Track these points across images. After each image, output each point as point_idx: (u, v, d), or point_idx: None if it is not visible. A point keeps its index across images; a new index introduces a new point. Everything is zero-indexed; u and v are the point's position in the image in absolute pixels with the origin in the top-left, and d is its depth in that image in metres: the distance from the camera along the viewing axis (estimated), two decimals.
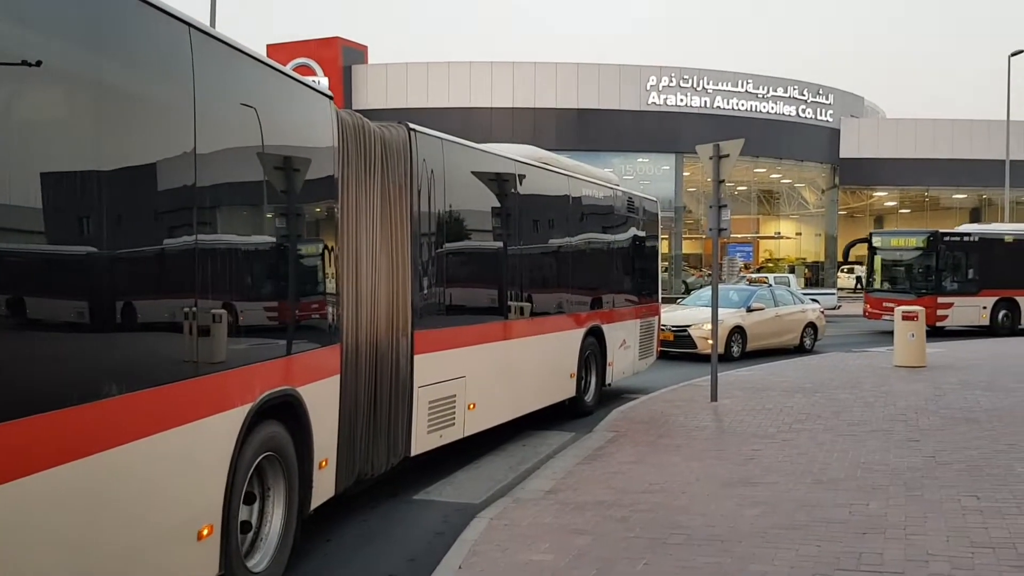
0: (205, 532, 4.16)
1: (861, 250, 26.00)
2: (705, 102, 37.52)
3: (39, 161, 3.19)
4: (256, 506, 4.96)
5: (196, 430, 4.08)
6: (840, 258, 35.38)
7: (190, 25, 4.11)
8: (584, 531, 5.67)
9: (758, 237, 50.71)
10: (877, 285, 23.85)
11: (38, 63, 3.12)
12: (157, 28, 3.93)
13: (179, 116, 4.04)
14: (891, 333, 15.76)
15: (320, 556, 5.58)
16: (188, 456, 4.08)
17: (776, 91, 39.30)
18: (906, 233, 24.73)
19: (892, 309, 21.31)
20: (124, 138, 3.69)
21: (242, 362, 4.55)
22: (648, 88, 36.97)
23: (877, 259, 24.00)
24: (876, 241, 24.22)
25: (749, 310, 17.65)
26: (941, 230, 23.26)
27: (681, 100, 37.32)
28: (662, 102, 37.10)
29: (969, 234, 23.49)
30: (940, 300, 21.59)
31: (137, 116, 3.79)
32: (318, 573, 5.30)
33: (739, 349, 17.13)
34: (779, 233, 51.04)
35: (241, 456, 4.49)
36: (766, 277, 28.62)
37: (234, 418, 4.44)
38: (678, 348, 16.55)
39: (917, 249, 22.89)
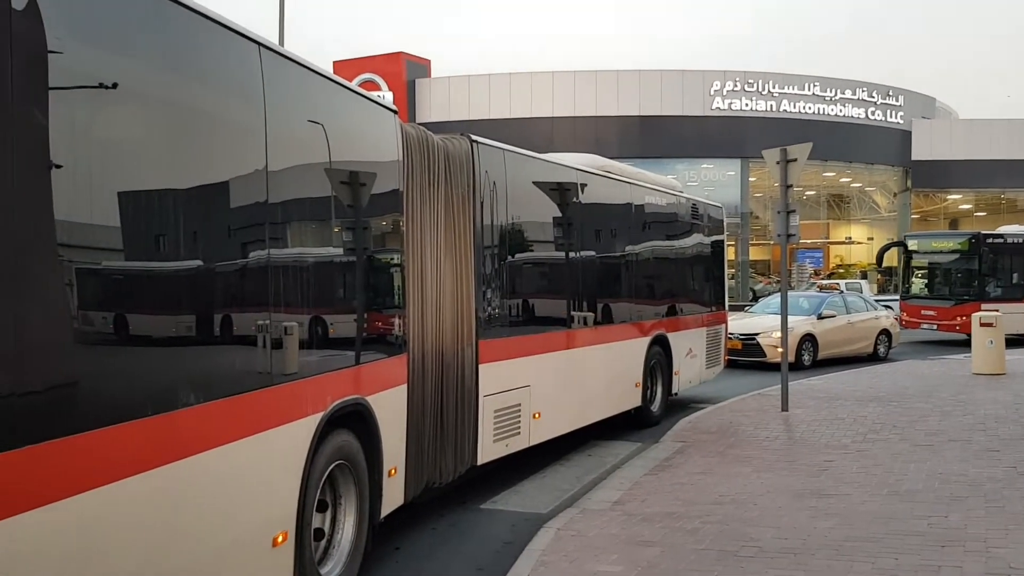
0: (280, 539, 4.25)
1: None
2: (771, 106, 36.93)
3: (118, 181, 3.31)
4: (328, 514, 5.05)
5: (271, 438, 4.17)
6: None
7: (260, 44, 4.23)
8: (652, 543, 5.62)
9: (828, 243, 49.65)
10: (916, 291, 22.43)
11: (114, 85, 3.24)
12: (229, 48, 4.06)
13: (251, 134, 4.16)
14: (948, 343, 15.21)
15: (390, 564, 5.64)
16: (264, 463, 4.18)
17: (844, 93, 38.48)
18: (945, 235, 23.52)
19: (932, 317, 20.51)
20: (199, 157, 3.81)
21: (313, 372, 4.64)
22: (712, 93, 36.56)
23: (914, 263, 22.64)
24: (912, 244, 22.90)
25: (820, 317, 17.31)
26: (984, 231, 22.03)
27: (746, 104, 36.79)
28: (726, 107, 36.64)
29: (1014, 235, 22.13)
30: (984, 307, 20.53)
31: (211, 135, 3.92)
32: None
33: (810, 357, 16.80)
34: (850, 238, 49.88)
35: (314, 464, 4.58)
36: (837, 283, 28.01)
37: (307, 426, 4.53)
38: (746, 357, 16.30)
39: (957, 252, 21.67)
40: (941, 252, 22.32)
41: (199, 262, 3.80)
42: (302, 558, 4.46)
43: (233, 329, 4.02)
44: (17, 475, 2.68)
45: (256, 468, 4.11)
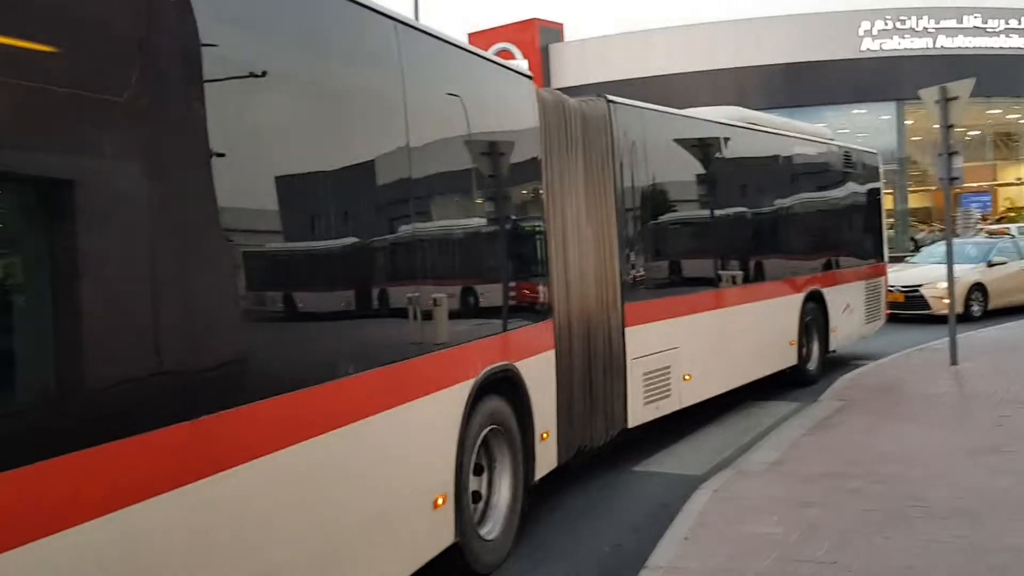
0: (440, 501, 4.40)
1: None
2: (927, 43, 34.49)
3: (273, 165, 3.47)
4: (485, 477, 5.18)
5: (427, 404, 4.32)
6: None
7: (397, 21, 4.31)
8: (814, 503, 5.46)
9: (996, 185, 46.20)
10: None
11: (263, 73, 3.38)
12: (367, 27, 4.16)
13: (393, 111, 4.26)
14: None
15: (546, 525, 5.74)
16: (421, 429, 4.33)
17: (1009, 23, 35.43)
18: None
19: None
20: (346, 138, 3.95)
21: (463, 340, 4.76)
22: (861, 34, 34.51)
23: None
24: None
25: (990, 264, 16.19)
26: None
27: (899, 43, 34.51)
28: (878, 47, 34.52)
29: None
30: None
31: (356, 115, 4.04)
32: (546, 541, 5.46)
33: (980, 308, 15.77)
34: (1020, 179, 46.23)
35: (468, 429, 4.71)
36: (1007, 228, 26.05)
37: (460, 393, 4.65)
38: (909, 310, 15.46)
39: None
40: None
41: (353, 240, 3.96)
42: (462, 519, 4.61)
43: (386, 302, 4.17)
44: (200, 443, 2.88)
45: (414, 433, 4.26)
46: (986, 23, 35.07)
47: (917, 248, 29.22)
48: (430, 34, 4.72)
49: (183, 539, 2.82)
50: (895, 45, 34.57)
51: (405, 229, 4.32)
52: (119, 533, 2.56)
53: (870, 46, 34.55)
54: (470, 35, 35.84)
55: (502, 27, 37.14)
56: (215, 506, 2.95)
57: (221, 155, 3.09)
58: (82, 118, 2.63)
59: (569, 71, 36.20)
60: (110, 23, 2.75)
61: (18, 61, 2.44)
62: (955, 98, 9.99)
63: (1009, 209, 44.58)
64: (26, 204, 2.54)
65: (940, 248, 16.16)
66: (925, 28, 34.66)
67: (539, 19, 37.36)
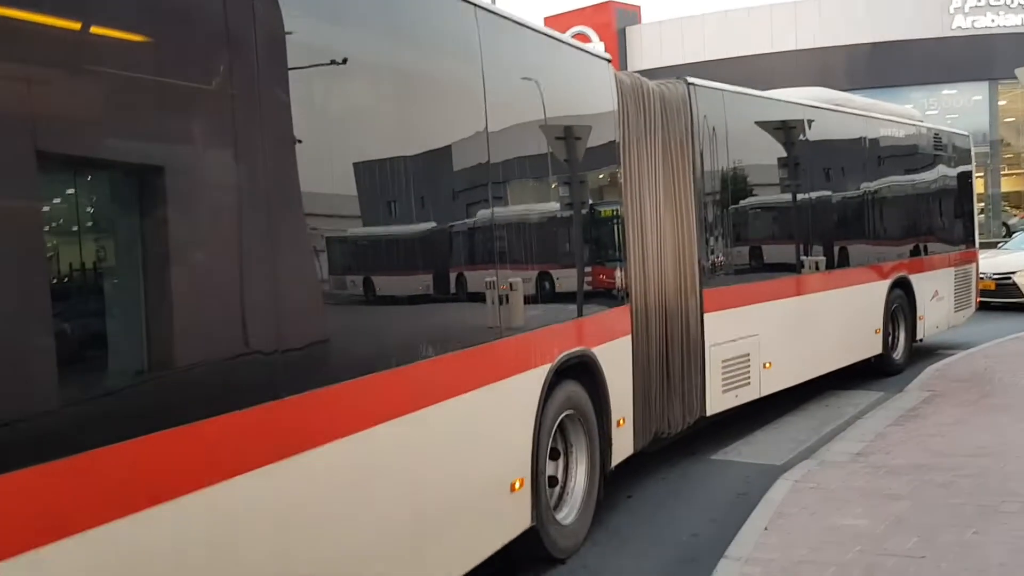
0: (517, 484, 4.42)
1: None
2: (1022, 20, 32.99)
3: (354, 152, 3.51)
4: (561, 462, 5.18)
5: (503, 388, 4.33)
6: None
7: (475, 5, 4.31)
8: (901, 496, 5.30)
9: None
10: None
11: (344, 60, 3.42)
12: (446, 12, 4.17)
13: (471, 96, 4.26)
14: None
15: (623, 512, 5.71)
16: (498, 412, 4.35)
17: None
18: None
19: None
20: (427, 124, 3.98)
21: (539, 325, 4.75)
22: (952, 11, 33.15)
23: None
24: None
25: None
26: None
27: (992, 20, 33.05)
28: (970, 24, 33.11)
29: None
30: None
31: (436, 101, 4.06)
32: (622, 528, 5.44)
33: None
34: None
35: (544, 413, 4.71)
36: None
37: (536, 377, 4.65)
38: (1001, 298, 14.86)
39: None
40: None
41: (431, 224, 4.00)
42: (539, 503, 4.62)
43: (463, 286, 4.19)
44: (287, 421, 2.95)
45: (491, 416, 4.29)
46: None
47: (1009, 234, 28.03)
48: (509, 18, 4.71)
49: (268, 516, 2.89)
50: (988, 22, 33.10)
51: (483, 214, 4.33)
52: (208, 508, 2.64)
53: (961, 23, 33.16)
54: (546, 19, 35.65)
55: (578, 10, 36.85)
56: (301, 485, 3.02)
57: (300, 141, 3.14)
58: (172, 106, 2.70)
59: (646, 53, 35.72)
60: (199, 13, 2.82)
61: (110, 51, 2.52)
62: None
63: None
64: (117, 191, 2.63)
65: None
66: (1020, 3, 33.08)
67: (615, 1, 36.96)
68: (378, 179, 3.67)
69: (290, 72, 3.12)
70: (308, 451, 3.02)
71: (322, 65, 3.31)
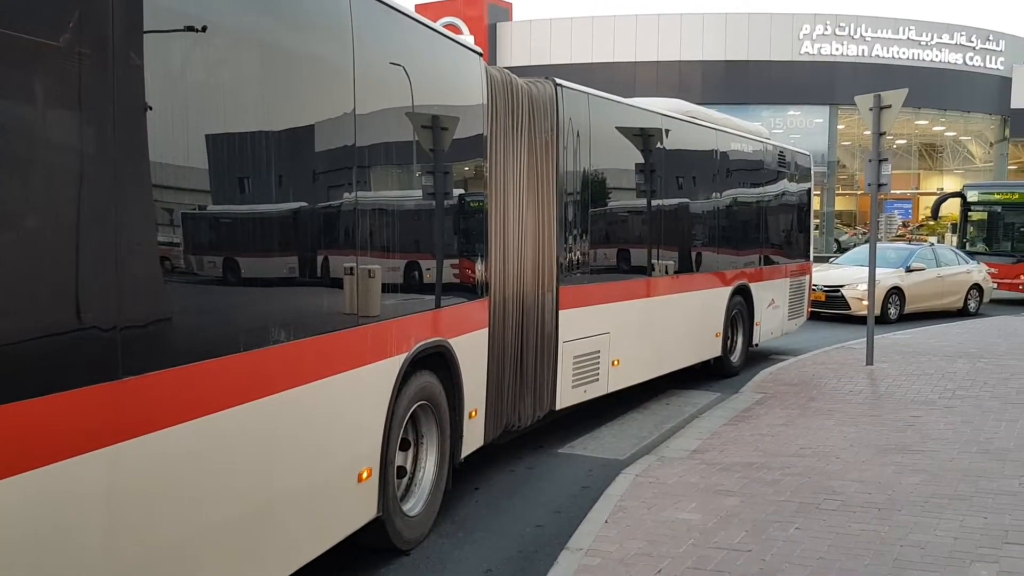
0: (365, 474, 4.37)
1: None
2: (863, 51, 35.40)
3: (209, 122, 3.35)
4: (411, 453, 5.16)
5: (358, 376, 4.27)
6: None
7: None
8: (732, 492, 5.60)
9: (918, 193, 47.79)
10: (978, 248, 20.73)
11: (204, 28, 3.27)
12: None
13: (340, 76, 4.17)
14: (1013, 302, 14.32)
15: (470, 503, 5.75)
16: (350, 401, 4.28)
17: (941, 37, 36.59)
18: (1008, 186, 21.87)
19: (992, 275, 19.01)
20: (290, 100, 3.84)
21: (397, 314, 4.71)
22: (801, 37, 35.22)
23: (973, 216, 21.17)
24: (971, 195, 21.27)
25: (908, 270, 16.76)
26: None
27: (836, 49, 35.35)
28: (816, 51, 35.28)
29: None
30: None
31: (302, 78, 3.94)
32: (468, 520, 5.48)
33: (896, 311, 16.34)
34: (941, 189, 47.86)
35: (397, 403, 4.68)
36: (926, 236, 26.99)
37: (391, 366, 4.61)
38: (830, 309, 15.95)
39: (1021, 205, 20.06)
40: (1003, 204, 20.75)
41: (290, 205, 3.86)
42: (386, 494, 4.58)
43: (319, 271, 4.08)
44: (125, 403, 2.80)
45: (343, 405, 4.21)
46: (920, 35, 36.14)
47: (841, 249, 30.09)
48: (384, 2, 4.62)
49: (99, 503, 2.73)
50: (832, 50, 35.38)
51: (345, 197, 4.24)
52: (30, 493, 2.47)
53: (809, 49, 35.31)
54: (418, 6, 35.27)
55: (450, 1, 36.74)
56: (137, 471, 2.87)
57: (151, 108, 2.97)
58: (12, 61, 2.51)
59: (515, 51, 36.08)
60: None
61: None
62: (888, 106, 10.27)
63: (929, 217, 46.19)
64: None
65: (862, 251, 16.64)
66: (862, 35, 35.54)
67: None
68: (236, 154, 3.52)
69: (146, 35, 2.95)
70: (147, 435, 2.88)
71: (179, 31, 3.14)
